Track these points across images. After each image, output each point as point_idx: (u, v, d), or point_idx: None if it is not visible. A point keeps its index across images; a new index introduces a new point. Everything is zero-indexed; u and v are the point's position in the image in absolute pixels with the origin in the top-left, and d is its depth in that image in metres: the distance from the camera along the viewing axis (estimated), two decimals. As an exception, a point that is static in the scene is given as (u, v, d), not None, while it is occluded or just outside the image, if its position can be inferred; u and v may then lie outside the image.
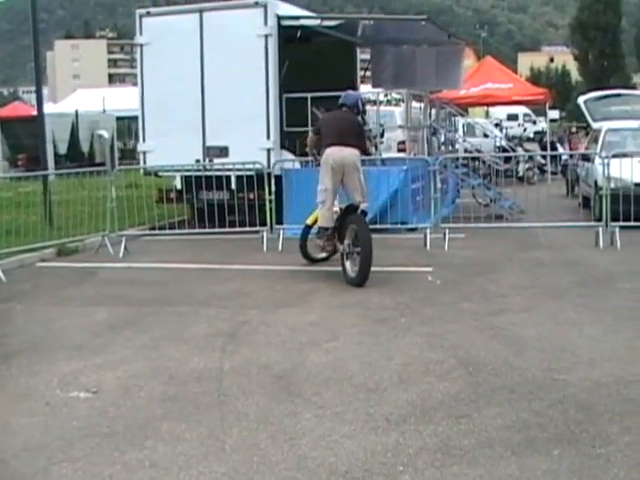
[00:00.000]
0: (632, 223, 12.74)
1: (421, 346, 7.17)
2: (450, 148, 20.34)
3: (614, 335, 7.39)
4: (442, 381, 6.18)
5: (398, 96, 25.10)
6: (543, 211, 13.29)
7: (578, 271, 10.62)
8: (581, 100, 20.43)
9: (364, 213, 10.55)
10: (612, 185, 12.95)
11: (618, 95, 21.31)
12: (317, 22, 15.86)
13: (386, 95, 25.05)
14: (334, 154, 10.43)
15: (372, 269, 9.92)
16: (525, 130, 33.09)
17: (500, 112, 42.37)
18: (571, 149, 27.51)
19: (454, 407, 5.63)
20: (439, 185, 13.32)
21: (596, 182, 13.74)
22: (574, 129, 33.46)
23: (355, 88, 18.39)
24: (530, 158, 24.63)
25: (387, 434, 5.19)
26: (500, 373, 6.33)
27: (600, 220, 12.73)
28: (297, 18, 15.61)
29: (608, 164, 12.90)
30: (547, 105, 27.79)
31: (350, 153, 10.48)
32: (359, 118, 11.03)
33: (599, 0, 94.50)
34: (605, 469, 4.61)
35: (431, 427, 5.27)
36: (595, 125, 18.77)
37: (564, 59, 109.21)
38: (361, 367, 6.60)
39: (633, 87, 72.47)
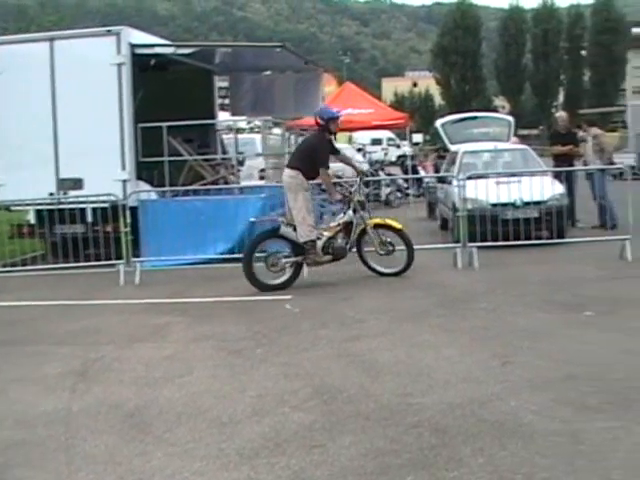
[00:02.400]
0: (489, 243, 12.97)
1: (276, 376, 7.05)
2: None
3: (469, 356, 7.41)
4: (297, 411, 6.07)
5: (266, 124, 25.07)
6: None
7: (436, 292, 10.69)
8: (438, 123, 20.76)
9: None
10: (469, 206, 13.16)
11: (474, 118, 21.73)
12: (172, 50, 15.65)
13: (249, 122, 24.99)
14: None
15: (229, 299, 9.79)
16: (386, 154, 33.48)
17: (364, 137, 42.91)
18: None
19: (308, 437, 5.52)
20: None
21: (454, 204, 13.96)
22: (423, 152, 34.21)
23: (214, 116, 18.31)
24: (392, 182, 24.94)
25: (238, 469, 5.05)
26: (355, 400, 6.26)
27: (458, 241, 12.88)
28: (151, 46, 15.37)
29: (464, 186, 13.12)
30: (408, 129, 28.24)
31: (287, 174, 11.55)
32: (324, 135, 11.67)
33: (459, 26, 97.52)
34: (457, 493, 4.57)
35: (284, 459, 5.15)
36: (452, 147, 19.08)
37: (427, 83, 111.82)
38: (215, 401, 6.44)
39: (495, 110, 74.62)
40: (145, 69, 15.50)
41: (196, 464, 5.16)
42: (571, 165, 17.02)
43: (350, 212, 11.70)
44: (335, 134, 12.16)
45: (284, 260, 11.49)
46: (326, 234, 11.62)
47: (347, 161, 13.11)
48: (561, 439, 5.25)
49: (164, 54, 15.56)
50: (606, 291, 10.31)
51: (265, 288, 11.35)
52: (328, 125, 11.52)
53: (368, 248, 11.95)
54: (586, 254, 13.08)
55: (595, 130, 18.04)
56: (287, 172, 11.57)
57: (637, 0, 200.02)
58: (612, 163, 17.13)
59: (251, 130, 26.68)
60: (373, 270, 11.86)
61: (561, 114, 20.92)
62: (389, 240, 11.75)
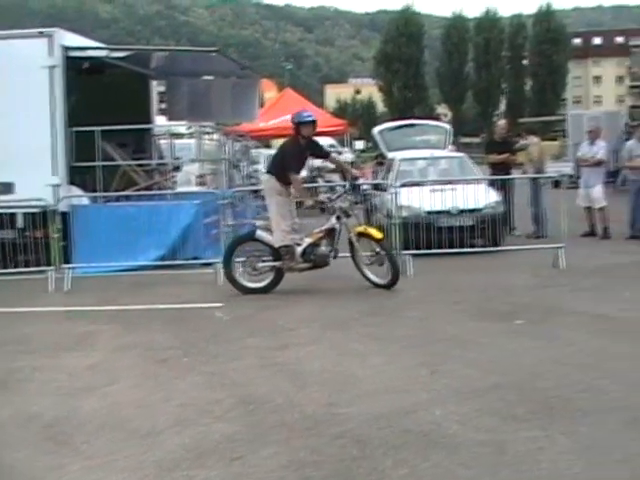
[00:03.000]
0: (423, 251, 12.97)
1: (202, 386, 6.94)
2: (252, 181, 20.23)
3: (397, 365, 7.37)
4: (219, 422, 5.97)
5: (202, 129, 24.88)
6: (340, 240, 13.32)
7: (369, 300, 10.67)
8: (376, 131, 20.77)
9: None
10: (404, 214, 13.16)
11: (412, 125, 21.78)
12: (105, 53, 15.43)
13: (189, 128, 24.78)
14: None
15: (159, 306, 9.64)
16: (324, 161, 33.38)
17: (305, 144, 42.81)
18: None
19: (229, 449, 5.42)
20: (229, 219, 13.09)
21: (389, 211, 13.94)
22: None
23: (150, 121, 18.10)
24: (330, 188, 24.84)
25: (156, 483, 4.92)
26: (280, 410, 6.17)
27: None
28: (85, 49, 15.14)
29: (398, 193, 13.11)
30: (348, 136, 28.24)
31: (263, 179, 12.28)
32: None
33: (402, 34, 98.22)
34: (377, 505, 4.51)
35: (203, 472, 5.05)
36: (389, 155, 19.09)
37: (370, 91, 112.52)
38: (137, 411, 6.31)
39: (437, 117, 75.16)
40: (80, 72, 15.25)
41: (113, 477, 5.04)
42: (508, 173, 17.13)
43: (333, 219, 11.49)
44: (308, 138, 11.57)
45: (262, 264, 11.43)
46: (307, 240, 11.47)
47: (339, 164, 13.29)
48: (485, 449, 5.22)
49: (98, 57, 15.33)
50: (538, 299, 10.36)
51: (246, 291, 11.33)
52: (299, 129, 11.36)
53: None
54: (521, 262, 13.17)
55: (532, 138, 18.25)
56: (263, 177, 12.01)
57: (578, 12, 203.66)
58: (539, 172, 17.30)
59: (190, 135, 26.45)
60: (367, 279, 11.50)
61: (500, 122, 21.14)
62: (378, 250, 11.35)
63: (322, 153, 12.32)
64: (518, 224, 16.97)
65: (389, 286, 11.25)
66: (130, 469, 5.15)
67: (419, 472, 4.92)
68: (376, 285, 11.37)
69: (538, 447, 5.24)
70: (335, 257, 11.57)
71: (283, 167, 11.35)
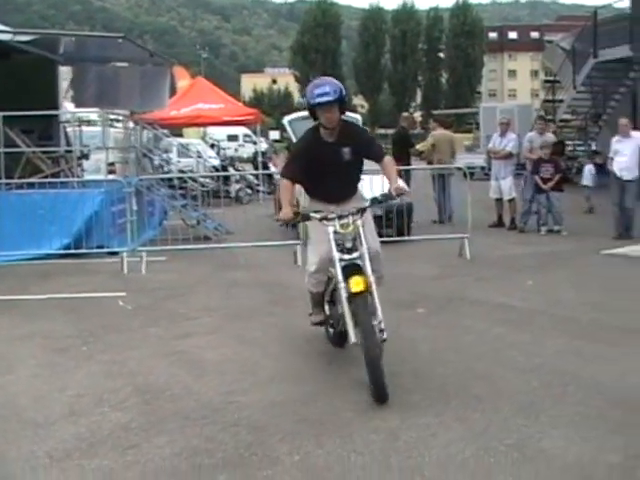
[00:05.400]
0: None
1: (99, 375, 6.89)
2: (164, 169, 20.05)
3: (296, 354, 7.44)
4: (115, 411, 5.94)
5: (113, 116, 24.57)
6: (250, 231, 13.36)
7: (273, 290, 10.69)
8: (286, 120, 20.73)
9: None
10: (309, 202, 13.15)
11: (321, 115, 21.78)
12: (10, 37, 15.11)
13: (101, 115, 24.42)
14: None
15: (62, 296, 9.49)
16: (237, 150, 33.47)
17: (220, 133, 42.65)
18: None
19: (123, 438, 5.41)
20: (135, 208, 12.96)
21: (297, 201, 13.89)
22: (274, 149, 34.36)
23: (57, 107, 17.79)
24: (242, 178, 24.89)
25: (48, 472, 4.91)
26: (177, 399, 6.18)
27: (299, 238, 12.89)
28: (-13, 32, 14.85)
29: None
30: (260, 125, 28.21)
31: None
32: None
33: (320, 24, 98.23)
34: (267, 493, 4.57)
35: (96, 461, 5.04)
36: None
37: (287, 81, 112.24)
38: (32, 401, 6.23)
39: (353, 109, 75.36)
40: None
41: (3, 468, 4.98)
42: (409, 164, 17.40)
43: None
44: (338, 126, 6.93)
45: None
46: None
47: (390, 172, 7.13)
48: (379, 437, 5.30)
49: (3, 41, 15.00)
50: (441, 289, 10.51)
51: None
52: (316, 115, 6.84)
53: None
54: (427, 252, 13.36)
55: (437, 130, 18.58)
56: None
57: (494, 6, 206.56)
58: (446, 163, 17.60)
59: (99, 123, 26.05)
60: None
61: (404, 115, 21.40)
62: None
63: (372, 153, 7.16)
64: (423, 214, 17.11)
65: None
66: (21, 459, 5.10)
67: (312, 459, 4.98)
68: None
69: (431, 433, 5.34)
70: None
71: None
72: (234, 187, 23.58)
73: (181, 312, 9.37)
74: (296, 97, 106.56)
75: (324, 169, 6.92)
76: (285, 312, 9.28)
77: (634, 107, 24.52)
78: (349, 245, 6.60)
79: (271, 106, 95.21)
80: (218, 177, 20.24)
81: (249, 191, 25.01)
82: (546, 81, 57.85)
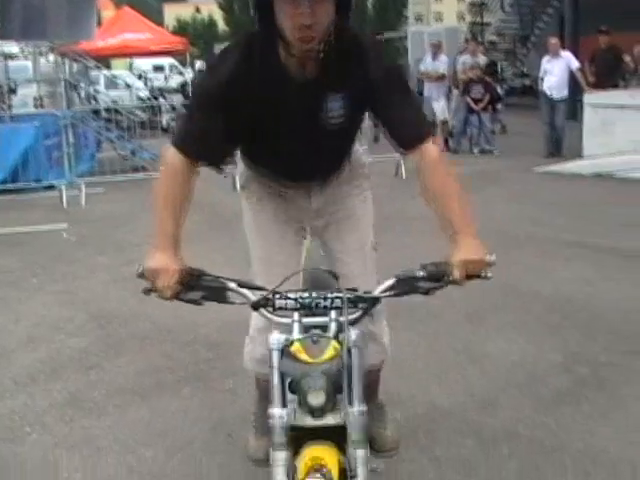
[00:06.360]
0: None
1: (52, 305, 7.00)
2: (93, 102, 19.81)
3: (243, 276, 7.54)
4: (72, 337, 6.09)
5: (37, 49, 24.08)
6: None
7: (209, 212, 10.50)
8: (217, 49, 20.67)
9: None
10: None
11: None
12: None
13: (22, 49, 23.92)
14: None
15: (3, 230, 9.42)
16: (167, 81, 32.98)
17: (146, 64, 41.84)
18: None
19: (84, 360, 5.59)
20: (72, 140, 12.85)
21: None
22: None
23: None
24: (172, 108, 24.64)
25: (14, 397, 5.05)
26: (131, 323, 6.34)
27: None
28: None
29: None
30: (189, 55, 27.79)
31: None
32: None
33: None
34: (232, 401, 4.81)
35: (60, 383, 5.20)
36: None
37: (210, 9, 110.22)
38: (-12, 333, 6.30)
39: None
40: None
41: (-32, 397, 5.08)
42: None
43: None
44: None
45: None
46: None
47: None
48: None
49: None
50: (380, 207, 10.61)
51: None
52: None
53: None
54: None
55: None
56: None
57: None
58: None
59: (25, 56, 25.50)
60: None
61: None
62: None
63: (394, 123, 3.09)
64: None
65: None
66: (-14, 387, 5.20)
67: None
68: None
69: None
70: None
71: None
72: (165, 117, 23.39)
73: (126, 240, 9.37)
74: (221, 25, 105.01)
75: (283, 135, 3.09)
76: (224, 236, 9.21)
77: (561, 28, 24.73)
78: (318, 401, 2.40)
79: (195, 35, 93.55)
80: (149, 107, 20.06)
81: (181, 122, 24.73)
82: (472, 4, 57.78)
